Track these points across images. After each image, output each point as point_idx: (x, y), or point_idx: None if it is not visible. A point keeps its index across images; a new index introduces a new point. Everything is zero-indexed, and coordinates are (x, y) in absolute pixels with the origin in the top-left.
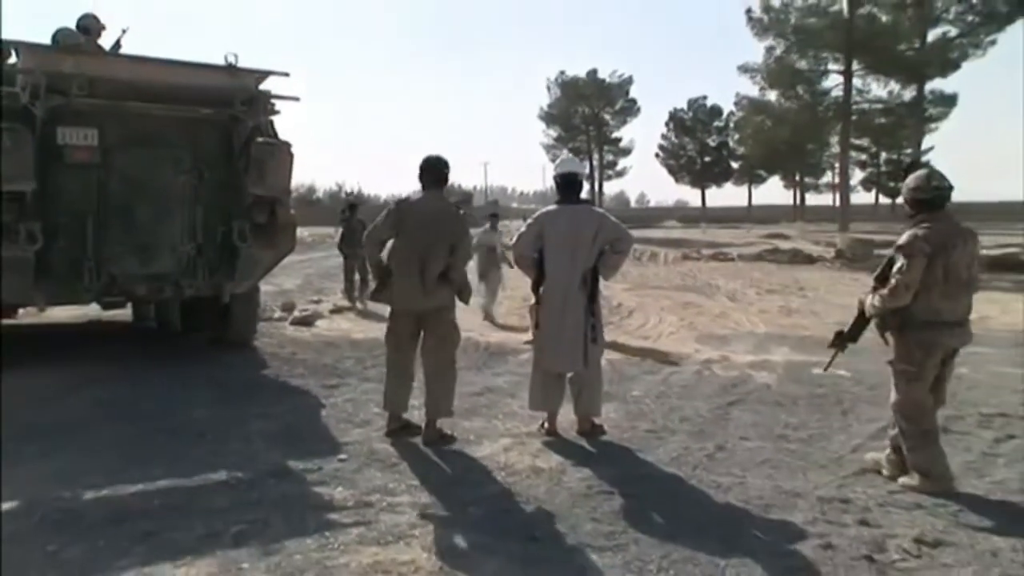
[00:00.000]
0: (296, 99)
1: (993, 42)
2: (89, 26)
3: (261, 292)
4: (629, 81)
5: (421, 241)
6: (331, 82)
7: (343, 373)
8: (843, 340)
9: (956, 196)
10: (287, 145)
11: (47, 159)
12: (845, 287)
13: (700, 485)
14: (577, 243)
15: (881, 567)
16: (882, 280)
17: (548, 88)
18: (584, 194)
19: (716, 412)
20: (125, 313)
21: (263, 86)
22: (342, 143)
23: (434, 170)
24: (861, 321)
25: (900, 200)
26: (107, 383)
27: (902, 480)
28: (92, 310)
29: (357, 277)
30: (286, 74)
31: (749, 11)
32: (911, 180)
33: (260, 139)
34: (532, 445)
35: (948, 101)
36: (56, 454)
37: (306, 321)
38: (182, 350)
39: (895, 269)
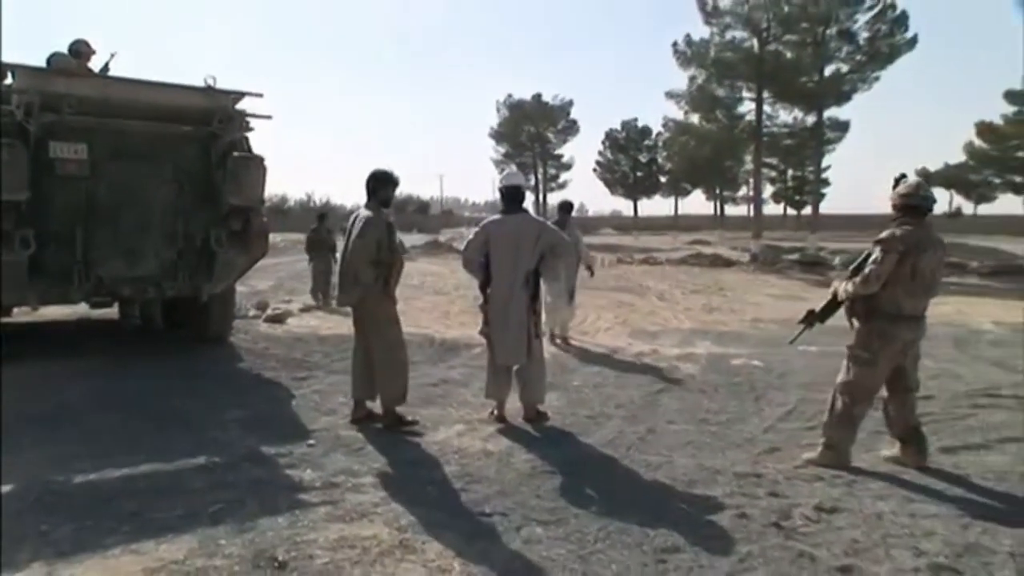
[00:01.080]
0: (268, 117)
1: (877, 78)
2: (80, 50)
3: (236, 292)
4: (570, 104)
5: (347, 248)
6: (302, 102)
7: (311, 366)
8: (812, 319)
9: (851, 208)
10: (260, 159)
11: (40, 171)
12: (758, 287)
13: (632, 464)
14: (519, 248)
15: (787, 532)
16: (857, 272)
17: (497, 109)
18: (528, 205)
19: (647, 399)
20: (112, 312)
21: (239, 106)
22: (311, 157)
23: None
24: (832, 305)
25: (889, 204)
26: (95, 376)
27: (805, 456)
28: (81, 309)
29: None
30: (260, 95)
31: (675, 44)
32: (903, 188)
33: (236, 154)
34: (483, 431)
35: (842, 127)
36: (49, 441)
37: (278, 319)
38: (164, 346)
39: (870, 259)
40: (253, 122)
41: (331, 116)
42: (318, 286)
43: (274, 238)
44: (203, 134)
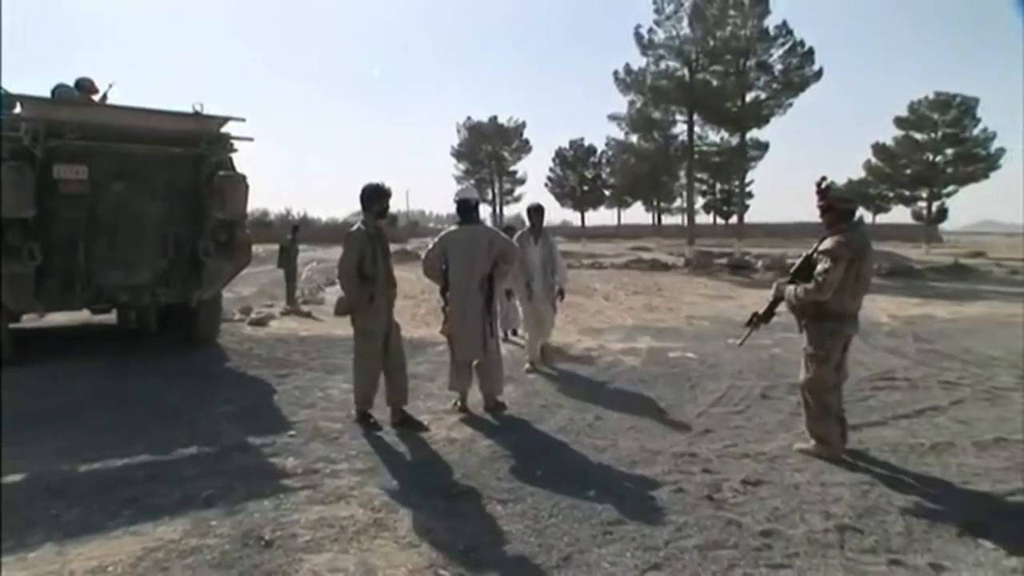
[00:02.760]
0: (250, 139)
1: (791, 104)
2: (84, 85)
3: (223, 298)
4: (523, 125)
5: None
6: (282, 125)
7: (292, 364)
8: (758, 320)
9: (771, 217)
10: (243, 177)
11: (45, 191)
12: (692, 288)
13: (582, 448)
14: (473, 255)
15: (718, 503)
16: (797, 275)
17: (458, 130)
18: (486, 216)
19: (594, 389)
20: (111, 317)
21: (224, 129)
22: (291, 174)
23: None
24: (774, 306)
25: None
26: (97, 375)
27: (797, 446)
28: (83, 315)
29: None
30: (242, 119)
31: (616, 72)
32: (841, 193)
33: (221, 172)
34: (448, 420)
35: (763, 146)
36: (57, 435)
37: (261, 322)
38: (158, 347)
39: (821, 268)
40: (236, 143)
41: (309, 137)
42: (289, 290)
43: (256, 248)
44: (192, 155)
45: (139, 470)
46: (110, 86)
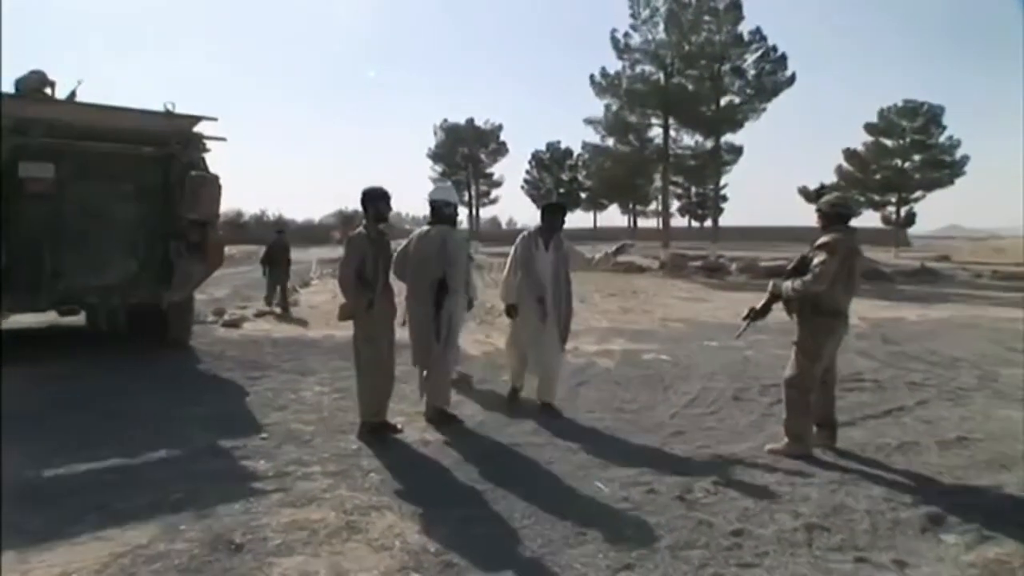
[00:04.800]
0: (223, 139)
1: (764, 109)
2: (35, 78)
3: (195, 300)
4: (500, 128)
5: None
6: (257, 124)
7: (264, 366)
8: (755, 315)
9: (745, 220)
10: (216, 177)
11: (10, 190)
12: (667, 291)
13: (556, 450)
14: (429, 258)
15: (689, 504)
16: (794, 274)
17: (435, 132)
18: (463, 218)
19: (569, 391)
20: (79, 319)
21: (196, 128)
22: (265, 175)
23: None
24: (770, 302)
25: (815, 217)
26: (65, 379)
27: (769, 446)
28: (50, 317)
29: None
30: (214, 119)
31: (592, 76)
32: (833, 198)
33: (193, 172)
34: (421, 423)
35: (736, 151)
36: (23, 439)
37: (234, 324)
38: (128, 350)
39: (818, 260)
40: (209, 143)
41: (285, 137)
42: (271, 294)
43: (230, 250)
44: (163, 155)
45: (107, 474)
46: (79, 83)
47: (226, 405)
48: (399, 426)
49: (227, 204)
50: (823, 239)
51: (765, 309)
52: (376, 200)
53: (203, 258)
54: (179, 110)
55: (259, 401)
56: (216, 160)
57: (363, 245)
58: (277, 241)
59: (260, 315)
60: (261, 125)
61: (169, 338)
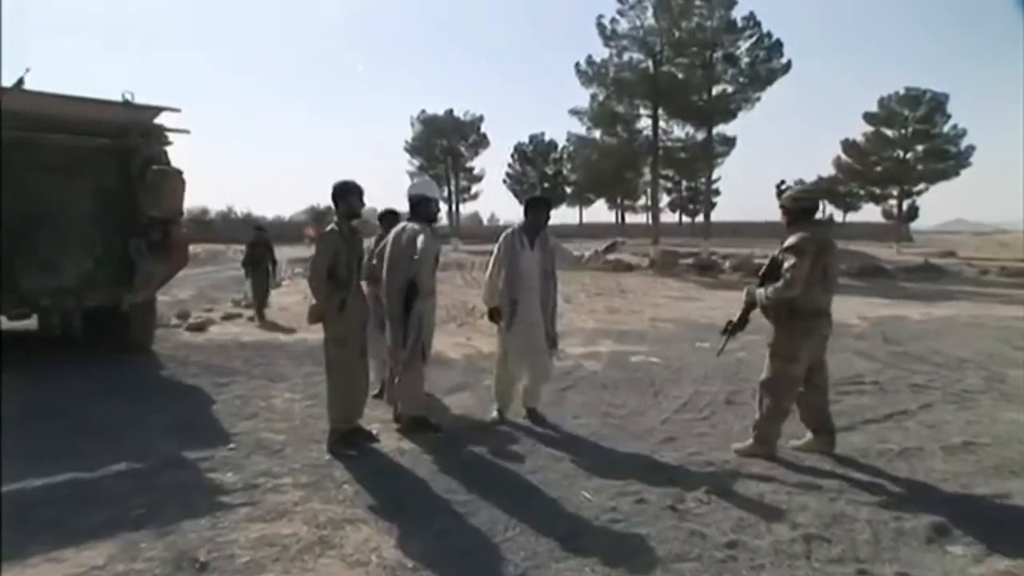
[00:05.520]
0: (187, 132)
1: (759, 98)
2: None
3: (157, 302)
4: (480, 119)
5: None
6: (222, 117)
7: (232, 372)
8: (733, 328)
9: (739, 216)
10: (179, 172)
11: None
12: (657, 289)
13: (539, 458)
14: (397, 257)
15: (681, 514)
16: (766, 277)
17: (412, 123)
18: (443, 214)
19: (554, 396)
20: (31, 323)
21: (157, 120)
22: (233, 171)
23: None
24: (747, 312)
25: (780, 215)
26: (17, 388)
27: (735, 446)
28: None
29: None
30: (177, 110)
31: (577, 64)
32: (796, 192)
33: (155, 167)
34: (404, 429)
35: (729, 142)
36: None
37: (199, 327)
38: (86, 356)
39: (788, 265)
40: (172, 135)
41: (254, 131)
42: (261, 301)
43: (194, 249)
44: (121, 147)
45: (62, 490)
46: (27, 71)
47: (191, 414)
48: (375, 433)
49: (191, 200)
50: (790, 240)
51: (743, 320)
52: (348, 195)
53: (165, 257)
54: (139, 100)
55: (226, 409)
56: (179, 154)
57: (335, 243)
58: (258, 239)
59: (227, 318)
60: (228, 117)
61: (130, 343)
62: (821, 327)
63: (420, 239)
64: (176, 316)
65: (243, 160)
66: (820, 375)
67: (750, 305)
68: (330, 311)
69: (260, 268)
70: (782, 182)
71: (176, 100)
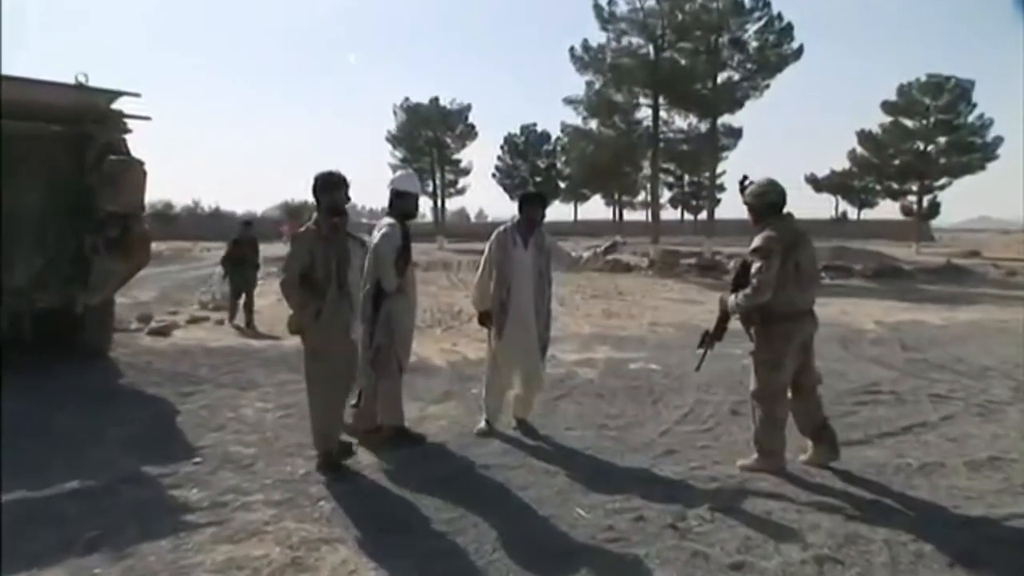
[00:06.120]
0: (147, 118)
1: (767, 86)
2: None
3: (116, 304)
4: (468, 108)
5: None
6: (189, 105)
7: (198, 380)
8: (710, 340)
9: (739, 214)
10: (140, 162)
11: None
12: (657, 291)
13: (531, 472)
14: (370, 256)
15: (682, 533)
16: (738, 282)
17: (395, 113)
18: (426, 210)
19: (546, 406)
20: None
21: (115, 105)
22: (201, 163)
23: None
24: (723, 321)
25: (746, 212)
26: None
27: (740, 462)
28: None
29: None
30: (137, 94)
31: (572, 49)
32: (757, 188)
33: (112, 156)
34: (376, 442)
35: (736, 133)
36: None
37: (162, 331)
38: (36, 362)
39: (755, 269)
40: (131, 123)
41: (224, 119)
42: (233, 307)
43: (157, 246)
44: (75, 135)
45: (8, 510)
46: None
47: (152, 425)
48: (353, 446)
49: (153, 193)
50: (755, 242)
51: (720, 330)
52: (332, 188)
53: (124, 255)
54: (94, 83)
55: (191, 420)
56: (140, 142)
57: (311, 243)
58: (243, 236)
59: (193, 321)
60: (195, 104)
61: (85, 348)
62: (802, 328)
63: (376, 236)
64: (137, 319)
65: (211, 151)
66: (807, 376)
67: (725, 313)
68: (305, 321)
69: (242, 269)
70: (745, 177)
71: (136, 84)
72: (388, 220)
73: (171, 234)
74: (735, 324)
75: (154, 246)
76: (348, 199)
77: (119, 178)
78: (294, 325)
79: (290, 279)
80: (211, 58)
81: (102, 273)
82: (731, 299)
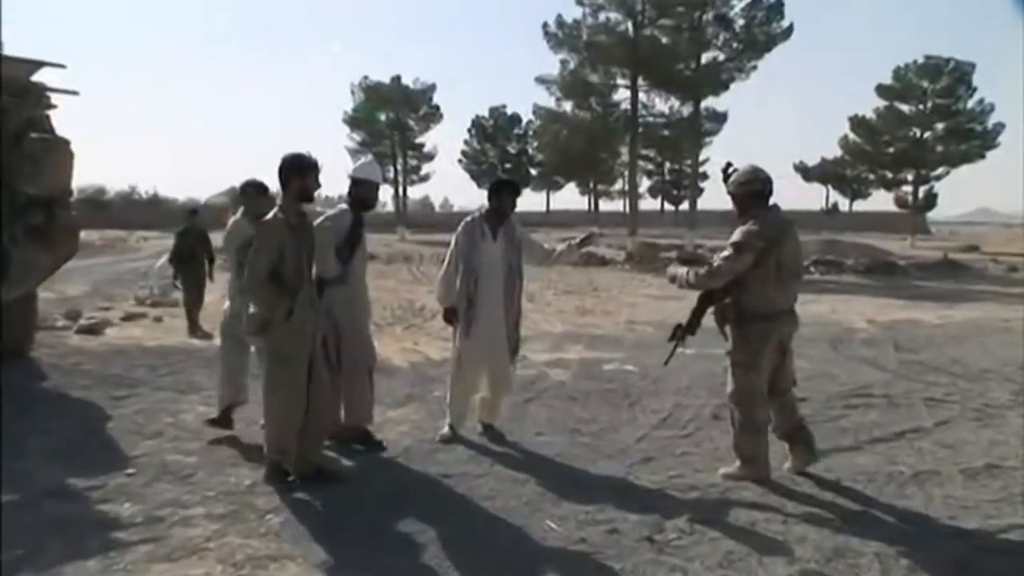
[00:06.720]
0: (75, 93)
1: (755, 67)
2: None
3: (39, 299)
4: (432, 88)
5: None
6: (124, 79)
7: (133, 383)
8: (682, 333)
9: (724, 204)
10: (66, 142)
11: None
12: (635, 287)
13: (498, 481)
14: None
15: (660, 546)
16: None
17: (352, 92)
18: (388, 199)
19: (514, 410)
20: None
21: (36, 77)
22: (137, 142)
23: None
24: (698, 315)
25: (729, 202)
26: None
27: (722, 471)
28: None
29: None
30: (62, 66)
31: (545, 25)
32: (740, 176)
33: (34, 135)
34: (332, 449)
35: (720, 118)
36: None
37: (93, 329)
38: None
39: (722, 255)
40: (56, 98)
41: (165, 97)
42: (193, 315)
43: (89, 235)
44: None
45: None
46: None
47: (80, 433)
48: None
49: (83, 177)
50: (735, 235)
51: (694, 323)
52: (302, 172)
53: (48, 246)
54: (8, 51)
55: (125, 427)
56: (66, 120)
57: (280, 235)
58: (190, 228)
59: (129, 318)
60: (131, 78)
61: (3, 348)
62: (779, 328)
63: (320, 229)
64: (63, 316)
65: (150, 130)
66: (782, 378)
67: (700, 307)
68: (275, 320)
69: (193, 265)
70: (728, 165)
71: (61, 55)
72: (341, 206)
73: (104, 222)
74: (711, 320)
75: (83, 235)
76: (319, 184)
77: (42, 159)
78: (257, 324)
79: (259, 276)
80: (156, 29)
81: (23, 265)
82: (681, 271)
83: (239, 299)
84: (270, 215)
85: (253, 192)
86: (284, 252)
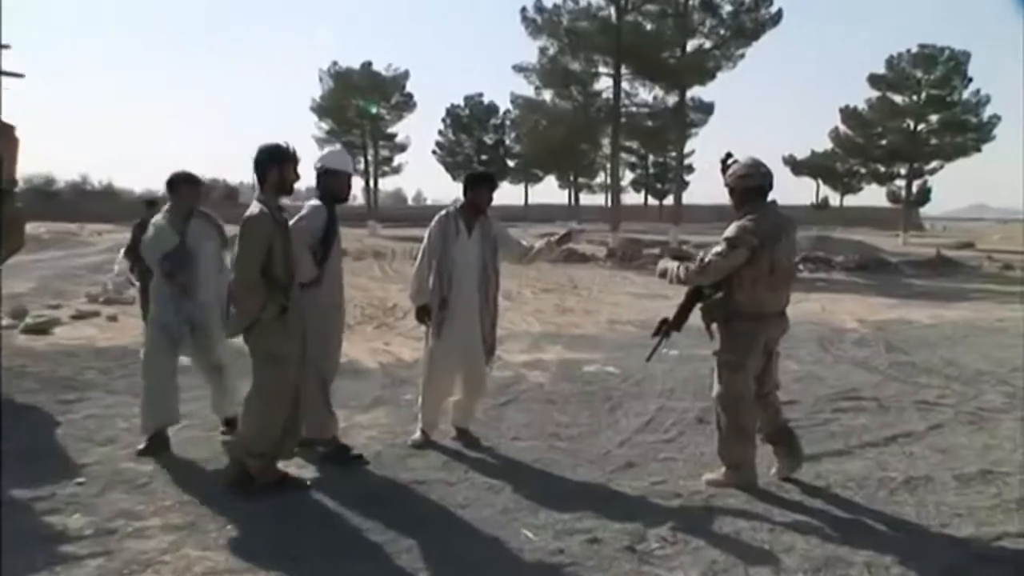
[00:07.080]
0: (20, 75)
1: (742, 55)
2: None
3: None
4: (405, 75)
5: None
6: (76, 62)
7: (84, 386)
8: (668, 328)
9: (716, 197)
10: (10, 128)
11: None
12: (617, 285)
13: (472, 488)
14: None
15: (642, 556)
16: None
17: (321, 79)
18: (357, 191)
19: (489, 413)
20: None
21: None
22: (90, 129)
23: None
24: (684, 311)
25: (727, 197)
26: None
27: (707, 477)
28: None
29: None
30: (6, 46)
31: (524, 10)
32: (740, 169)
33: None
34: (301, 454)
35: (706, 108)
36: None
37: (40, 329)
38: None
39: (714, 251)
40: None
41: (116, 81)
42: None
43: (35, 228)
44: None
45: None
46: None
47: (24, 441)
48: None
49: (30, 166)
50: (728, 231)
51: (681, 318)
52: (283, 162)
53: None
54: None
55: (75, 433)
56: (10, 104)
57: (268, 230)
58: (148, 220)
59: (80, 317)
60: (83, 62)
61: None
62: (766, 331)
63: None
64: (8, 315)
65: (103, 117)
66: (766, 380)
67: (688, 303)
68: (265, 322)
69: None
70: (728, 155)
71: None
72: (314, 202)
73: (52, 214)
74: (697, 318)
75: (30, 228)
76: (298, 176)
77: None
78: (241, 325)
79: (250, 275)
80: (115, 10)
81: None
82: (671, 265)
83: (171, 307)
84: (255, 210)
85: (184, 187)
86: (273, 248)
